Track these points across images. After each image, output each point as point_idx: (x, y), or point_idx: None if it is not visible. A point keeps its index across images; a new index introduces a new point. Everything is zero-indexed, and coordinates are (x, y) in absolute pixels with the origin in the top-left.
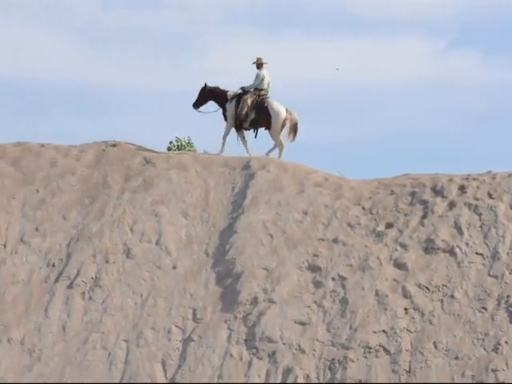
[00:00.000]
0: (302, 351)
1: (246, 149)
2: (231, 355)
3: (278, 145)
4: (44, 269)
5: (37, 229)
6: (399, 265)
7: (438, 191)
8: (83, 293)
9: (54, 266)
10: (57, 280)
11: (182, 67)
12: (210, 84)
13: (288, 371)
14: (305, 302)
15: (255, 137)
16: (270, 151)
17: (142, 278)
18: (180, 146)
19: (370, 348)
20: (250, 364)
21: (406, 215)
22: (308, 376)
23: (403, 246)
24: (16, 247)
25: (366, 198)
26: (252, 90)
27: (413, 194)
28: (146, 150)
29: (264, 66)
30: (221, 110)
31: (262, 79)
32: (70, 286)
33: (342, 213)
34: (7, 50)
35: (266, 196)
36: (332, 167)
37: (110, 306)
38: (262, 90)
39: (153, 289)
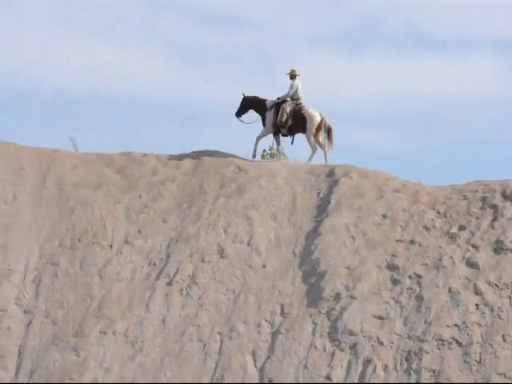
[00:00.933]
0: (381, 343)
1: (279, 154)
2: (315, 347)
3: (313, 147)
4: (146, 267)
5: (139, 231)
6: (471, 264)
7: (507, 196)
8: (181, 289)
9: (154, 265)
10: (157, 278)
11: (269, 82)
12: (248, 94)
13: (367, 362)
14: (383, 298)
15: (292, 143)
16: (311, 158)
17: (234, 276)
18: (272, 155)
19: (444, 340)
20: (332, 355)
21: (477, 218)
22: (386, 366)
23: (475, 246)
24: (121, 248)
25: (440, 203)
26: (288, 99)
27: (484, 199)
28: (239, 158)
29: (297, 77)
30: (260, 118)
31: (296, 89)
32: (170, 284)
33: (419, 216)
34: (113, 68)
35: (349, 201)
36: (410, 174)
37: (206, 301)
38: (298, 99)
39: (244, 286)
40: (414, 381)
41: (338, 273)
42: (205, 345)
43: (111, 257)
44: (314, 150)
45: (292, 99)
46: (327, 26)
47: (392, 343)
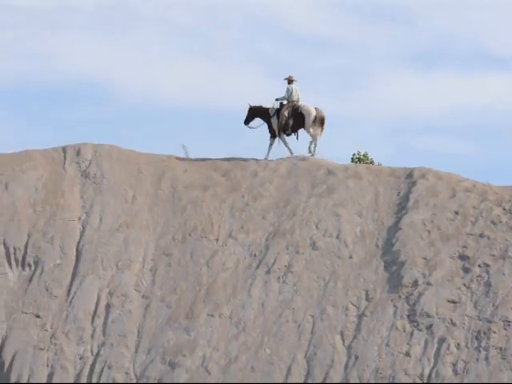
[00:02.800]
0: (454, 324)
1: (290, 150)
2: (396, 327)
3: (313, 136)
4: (247, 258)
5: (242, 227)
6: None
7: None
8: (278, 277)
9: (255, 256)
10: (257, 267)
11: (349, 98)
12: (254, 103)
13: (442, 340)
14: (456, 284)
15: (297, 139)
16: (311, 148)
17: (324, 266)
18: (360, 159)
19: (509, 321)
20: (411, 335)
21: None
22: (458, 344)
23: None
24: (226, 241)
25: (506, 201)
26: (285, 102)
27: None
28: (329, 162)
29: (294, 82)
30: (265, 124)
31: (291, 92)
32: (268, 272)
33: (487, 213)
34: (216, 84)
35: (425, 199)
36: (479, 176)
37: (300, 287)
38: (293, 101)
39: (333, 274)
40: (483, 357)
41: (416, 262)
42: (299, 325)
43: (217, 249)
44: (313, 140)
45: (288, 101)
46: (404, 46)
47: (464, 324)
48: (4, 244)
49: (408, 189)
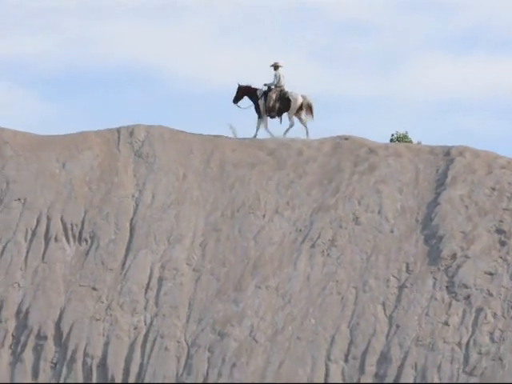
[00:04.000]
0: (491, 295)
1: (270, 132)
2: (435, 298)
3: (291, 123)
4: (293, 233)
5: (288, 203)
6: None
7: None
8: (322, 251)
9: (300, 231)
10: (302, 241)
11: (389, 81)
12: (243, 83)
13: (479, 310)
14: (492, 257)
15: (280, 122)
16: (287, 131)
17: (367, 240)
18: (399, 138)
19: None
20: (449, 305)
21: None
22: (495, 314)
23: None
24: (272, 217)
25: None
26: (273, 86)
27: None
28: (370, 142)
29: (279, 68)
30: (253, 105)
31: (279, 78)
32: (313, 246)
33: None
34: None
35: (463, 176)
36: None
37: (343, 261)
38: (281, 86)
39: (375, 248)
40: None
41: (454, 236)
42: (342, 297)
43: (264, 224)
44: (291, 125)
45: (276, 86)
46: (442, 29)
47: (500, 295)
48: (62, 220)
49: (446, 166)
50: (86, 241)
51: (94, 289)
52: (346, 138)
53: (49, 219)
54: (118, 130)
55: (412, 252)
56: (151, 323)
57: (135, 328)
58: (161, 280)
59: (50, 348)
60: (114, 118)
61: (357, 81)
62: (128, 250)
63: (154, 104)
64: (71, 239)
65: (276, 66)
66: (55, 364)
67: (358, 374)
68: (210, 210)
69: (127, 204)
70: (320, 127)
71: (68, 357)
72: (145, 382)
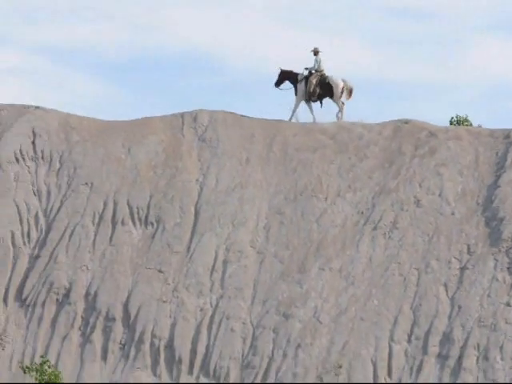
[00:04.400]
0: None
1: (314, 117)
2: (497, 279)
3: (340, 107)
4: (355, 216)
5: (349, 186)
6: None
7: None
8: (384, 233)
9: (362, 213)
10: (365, 224)
11: (449, 64)
12: (285, 68)
13: None
14: None
15: (321, 106)
16: (339, 114)
17: (428, 222)
18: (459, 121)
19: None
20: (511, 286)
21: None
22: None
23: None
24: (334, 200)
25: None
26: (313, 71)
27: None
28: (431, 125)
29: (319, 53)
30: (293, 89)
31: (319, 63)
32: (375, 229)
33: None
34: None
35: None
36: None
37: (405, 243)
38: (321, 70)
39: (436, 230)
40: None
41: None
42: (405, 278)
43: (326, 207)
44: (340, 109)
45: (316, 71)
46: (502, 12)
47: None
48: (128, 204)
49: (506, 149)
50: (152, 224)
51: (160, 271)
52: (407, 122)
53: (115, 203)
54: (182, 115)
55: (473, 234)
56: (217, 305)
57: (201, 310)
58: (225, 262)
59: (119, 329)
60: (177, 103)
61: (417, 65)
62: (193, 233)
63: (217, 90)
64: (137, 223)
65: (316, 52)
66: (123, 345)
67: (420, 354)
68: (273, 194)
69: (192, 188)
70: (381, 111)
71: (136, 338)
72: (211, 362)
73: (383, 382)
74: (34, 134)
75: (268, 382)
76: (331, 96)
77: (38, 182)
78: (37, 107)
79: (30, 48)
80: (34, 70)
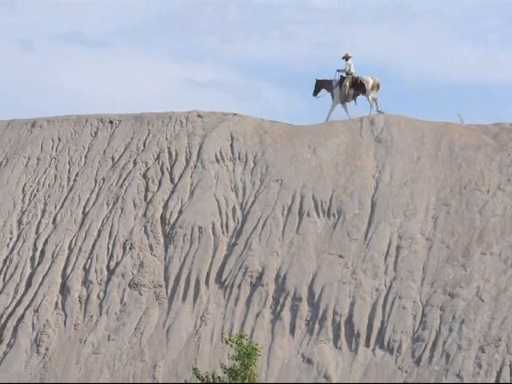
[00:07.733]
0: None
1: (348, 115)
2: None
3: (372, 101)
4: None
5: (509, 180)
6: None
7: None
8: None
9: None
10: None
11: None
12: (319, 78)
13: None
14: None
15: (356, 103)
16: (376, 109)
17: None
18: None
19: None
20: None
21: None
22: None
23: None
24: (495, 192)
25: None
26: (344, 74)
27: None
28: None
29: (350, 58)
30: (329, 94)
31: (350, 66)
32: None
33: None
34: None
35: None
36: None
37: None
38: (352, 73)
39: None
40: None
41: None
42: None
43: (488, 199)
44: (372, 104)
45: (347, 74)
46: None
47: None
48: (313, 198)
49: None
50: (334, 215)
51: (341, 256)
52: None
53: (302, 197)
54: (361, 120)
55: None
56: (390, 286)
57: (376, 290)
58: (398, 248)
59: (304, 308)
60: (355, 109)
61: (486, 51)
62: (370, 222)
63: (392, 96)
64: (321, 214)
65: (347, 57)
66: (309, 322)
67: None
68: (440, 187)
69: (369, 183)
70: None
71: (320, 315)
72: (385, 336)
73: None
74: (232, 138)
75: (435, 353)
76: (364, 93)
77: (235, 179)
78: (234, 114)
79: (226, 63)
80: (231, 82)
